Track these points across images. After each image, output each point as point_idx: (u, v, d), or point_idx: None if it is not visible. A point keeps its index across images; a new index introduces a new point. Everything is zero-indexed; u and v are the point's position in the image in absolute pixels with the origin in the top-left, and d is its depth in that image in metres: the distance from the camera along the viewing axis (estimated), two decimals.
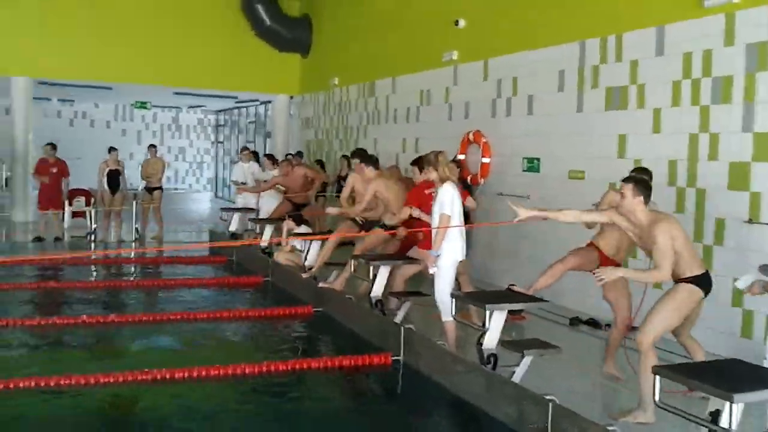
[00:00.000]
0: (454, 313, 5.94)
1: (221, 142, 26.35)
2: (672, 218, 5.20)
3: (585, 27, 8.68)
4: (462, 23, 10.99)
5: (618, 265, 6.04)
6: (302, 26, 17.19)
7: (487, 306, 5.27)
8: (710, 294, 6.75)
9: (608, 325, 7.81)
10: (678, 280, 5.13)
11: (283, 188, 11.91)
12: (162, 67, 16.49)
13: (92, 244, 13.26)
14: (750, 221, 6.66)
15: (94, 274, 10.87)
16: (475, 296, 5.89)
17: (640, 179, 5.30)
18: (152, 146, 14.77)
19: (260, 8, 16.50)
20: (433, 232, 6.51)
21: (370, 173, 8.14)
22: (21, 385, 5.43)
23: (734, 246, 6.84)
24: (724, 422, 3.40)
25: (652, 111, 7.74)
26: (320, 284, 8.42)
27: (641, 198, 5.11)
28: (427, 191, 7.16)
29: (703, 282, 5.10)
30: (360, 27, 14.81)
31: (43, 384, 5.49)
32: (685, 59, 7.33)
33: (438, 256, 6.31)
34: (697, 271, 5.08)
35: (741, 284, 4.11)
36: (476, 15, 10.82)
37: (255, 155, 14.56)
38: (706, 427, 3.47)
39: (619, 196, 5.40)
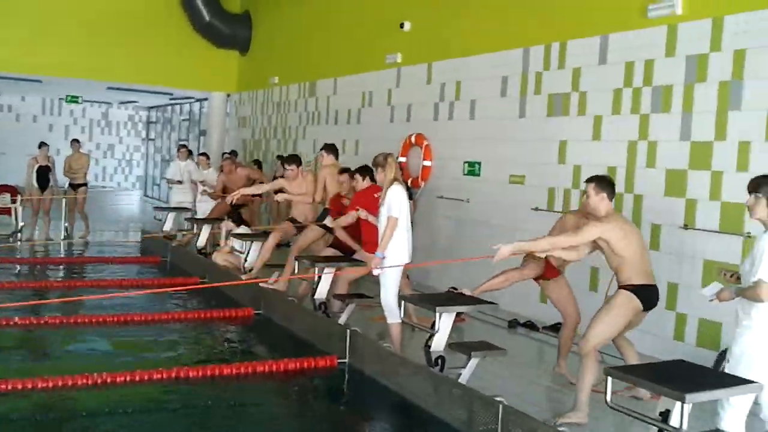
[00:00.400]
0: (402, 315, 5.91)
1: (152, 140, 25.78)
2: (621, 223, 5.25)
3: (529, 34, 8.80)
4: (407, 26, 11.01)
5: (559, 273, 6.14)
6: (242, 23, 16.96)
7: (437, 308, 5.27)
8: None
9: (545, 327, 7.98)
10: (620, 285, 5.24)
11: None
12: (96, 62, 16.00)
13: (18, 243, 12.77)
14: (685, 227, 6.85)
15: (22, 273, 10.44)
16: (424, 299, 5.89)
17: (602, 177, 5.46)
18: (75, 141, 14.28)
19: (200, 3, 16.20)
20: (380, 234, 6.49)
21: (329, 161, 8.23)
22: None
23: (670, 251, 7.03)
24: (674, 422, 3.47)
25: (593, 118, 7.90)
26: (266, 284, 8.29)
27: (604, 194, 5.26)
28: (375, 195, 7.12)
29: (642, 293, 5.19)
30: (302, 26, 14.69)
31: None
32: (627, 68, 7.50)
33: (383, 258, 6.28)
34: (639, 281, 5.18)
35: (707, 292, 4.19)
36: (421, 18, 10.86)
37: (189, 153, 14.29)
38: (658, 427, 3.53)
39: (575, 218, 5.55)
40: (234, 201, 8.72)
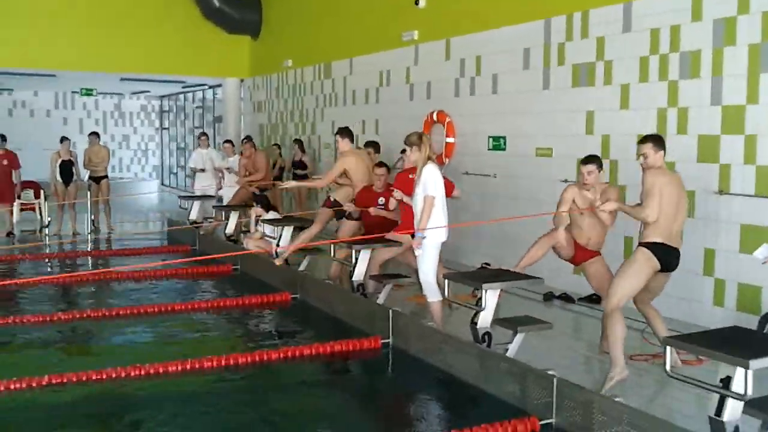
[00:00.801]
0: (447, 294, 5.95)
1: (166, 128, 25.84)
2: (666, 176, 5.37)
3: (550, 4, 8.75)
4: (422, 3, 10.95)
5: (590, 252, 6.14)
6: (252, 7, 16.91)
7: (483, 285, 5.31)
8: (684, 263, 7.03)
9: (581, 299, 8.02)
10: (640, 242, 5.35)
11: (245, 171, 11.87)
12: (109, 54, 16.01)
13: (47, 238, 12.90)
14: (720, 192, 6.85)
15: (56, 268, 10.55)
16: (470, 276, 5.93)
17: (656, 136, 5.59)
18: (95, 134, 14.29)
19: None
20: (416, 213, 6.52)
21: (344, 146, 8.17)
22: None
23: (704, 216, 7.03)
24: (737, 388, 3.51)
25: (620, 87, 7.87)
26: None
27: (662, 152, 5.43)
28: (411, 176, 7.13)
29: (659, 252, 5.28)
30: (313, 7, 14.64)
31: (25, 385, 5.31)
32: (653, 35, 7.46)
33: (423, 237, 6.32)
34: (657, 239, 5.28)
35: (760, 254, 4.24)
36: None
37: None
38: (721, 394, 3.57)
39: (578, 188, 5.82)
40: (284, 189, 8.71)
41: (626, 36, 7.77)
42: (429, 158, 6.46)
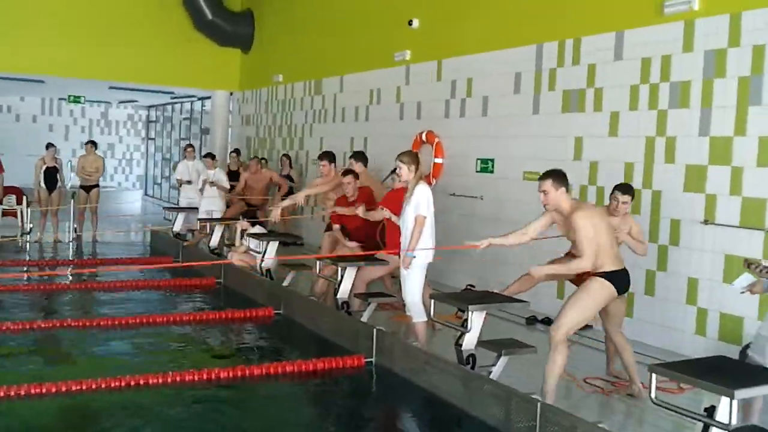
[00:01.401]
0: (432, 314, 5.94)
1: (152, 139, 25.74)
2: (592, 207, 5.44)
3: (542, 30, 8.83)
4: (416, 23, 11.02)
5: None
6: (244, 21, 16.97)
7: (469, 307, 5.30)
8: (668, 292, 7.07)
9: None
10: (593, 273, 5.32)
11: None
12: (98, 61, 15.97)
13: (28, 245, 12.76)
14: (706, 222, 6.90)
15: (33, 275, 10.42)
16: (456, 297, 5.92)
17: (555, 171, 5.42)
18: (91, 142, 14.26)
19: (202, 1, 16.19)
20: (404, 232, 6.52)
21: (359, 169, 8.22)
22: None
23: (690, 246, 7.07)
24: (721, 417, 3.51)
25: (610, 114, 7.94)
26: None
27: (563, 188, 5.31)
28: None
29: (616, 279, 5.28)
30: (306, 24, 14.69)
31: (2, 394, 5.22)
32: (644, 64, 7.54)
33: (413, 257, 6.31)
34: (612, 267, 5.27)
35: (738, 284, 4.25)
36: (430, 15, 10.88)
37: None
38: (705, 423, 3.57)
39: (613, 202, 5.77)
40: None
41: (617, 64, 7.85)
42: (421, 178, 6.48)
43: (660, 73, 7.38)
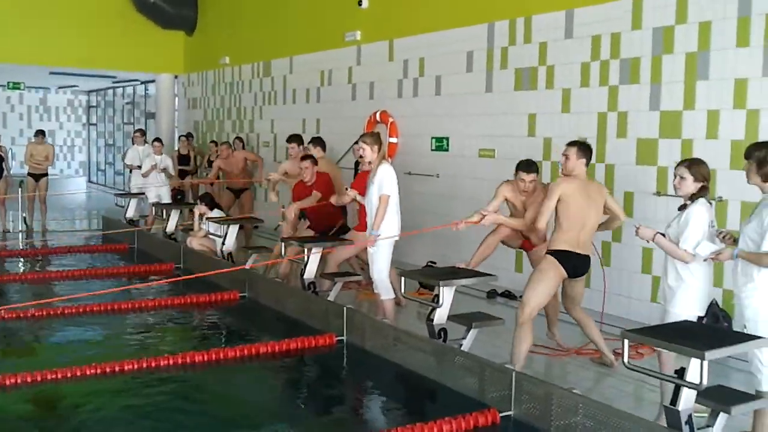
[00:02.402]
0: (403, 291, 6.08)
1: (93, 124, 25.20)
2: (579, 187, 5.53)
3: (493, 9, 8.98)
4: (365, 4, 11.06)
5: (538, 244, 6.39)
6: (188, 3, 16.73)
7: (440, 282, 5.45)
8: (623, 262, 7.33)
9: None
10: (548, 249, 5.63)
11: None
12: (38, 46, 15.56)
13: None
14: (658, 193, 7.18)
15: None
16: (426, 274, 6.06)
17: (583, 143, 5.77)
18: (40, 132, 13.91)
19: None
20: (369, 211, 6.64)
21: (318, 153, 8.32)
22: None
23: (642, 218, 7.33)
24: (691, 378, 3.73)
25: (562, 91, 8.15)
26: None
27: (584, 160, 5.60)
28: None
29: (565, 259, 5.51)
30: (253, 5, 14.55)
31: None
32: (594, 42, 7.75)
33: (378, 235, 6.43)
34: (563, 247, 5.51)
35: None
36: None
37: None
38: (678, 384, 3.78)
39: (520, 182, 6.07)
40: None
41: (568, 42, 8.05)
42: (384, 157, 6.59)
43: (610, 50, 7.61)
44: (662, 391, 4.53)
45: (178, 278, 8.51)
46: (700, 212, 4.61)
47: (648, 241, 4.87)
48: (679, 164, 4.81)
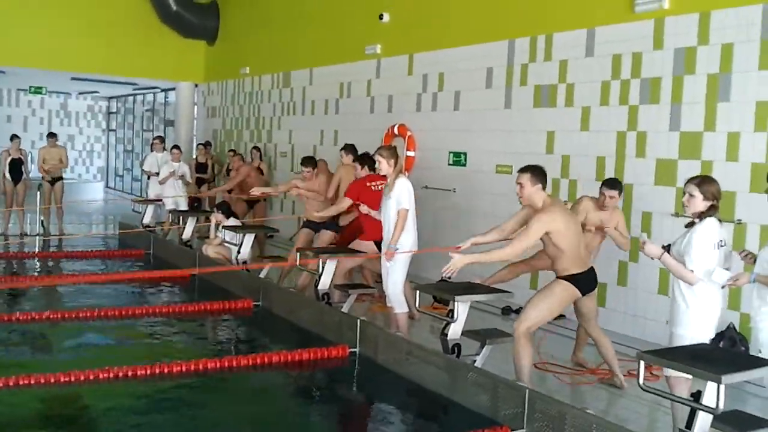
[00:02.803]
0: (418, 305, 6.06)
1: (113, 130, 25.40)
2: (561, 210, 5.37)
3: (514, 26, 8.99)
4: (386, 17, 11.11)
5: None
6: (210, 13, 16.88)
7: (455, 297, 5.43)
8: (639, 282, 7.29)
9: None
10: (558, 275, 5.44)
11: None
12: (61, 52, 15.75)
13: None
14: (676, 215, 7.13)
15: (6, 269, 10.28)
16: (441, 288, 6.05)
17: (535, 167, 5.49)
18: (52, 134, 13.99)
19: None
20: (386, 224, 6.65)
21: (347, 160, 8.52)
22: None
23: (659, 238, 7.28)
24: (708, 401, 3.69)
25: (581, 109, 8.14)
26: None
27: (539, 185, 5.38)
28: (368, 184, 7.33)
29: (579, 282, 5.39)
30: (274, 16, 14.66)
31: None
32: (615, 61, 7.74)
33: (396, 249, 6.44)
34: (576, 270, 5.37)
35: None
36: (401, 10, 10.97)
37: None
38: (693, 407, 3.75)
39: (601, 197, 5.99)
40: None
41: (589, 60, 8.04)
42: (400, 171, 6.60)
43: (631, 69, 7.59)
44: (674, 414, 4.47)
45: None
46: (707, 231, 4.45)
47: (652, 259, 4.70)
48: (688, 181, 4.65)
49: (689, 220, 4.66)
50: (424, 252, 7.80)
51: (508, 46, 9.07)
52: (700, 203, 4.51)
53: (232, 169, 13.94)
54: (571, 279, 5.38)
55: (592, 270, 5.54)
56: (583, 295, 5.52)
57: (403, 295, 6.62)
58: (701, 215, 4.52)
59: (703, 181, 4.58)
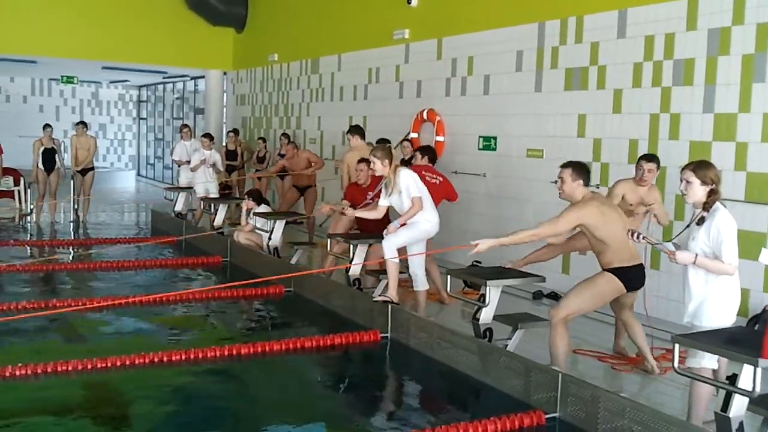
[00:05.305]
0: (450, 290, 6.06)
1: (144, 119, 25.64)
2: (598, 206, 5.23)
3: (544, 8, 8.89)
4: (414, 2, 11.05)
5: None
6: (238, 0, 16.90)
7: (487, 282, 5.43)
8: (672, 266, 7.19)
9: None
10: (604, 268, 5.33)
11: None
12: (91, 41, 15.90)
13: (29, 225, 12.78)
14: None
15: (37, 256, 10.45)
16: (473, 273, 6.05)
17: (578, 163, 5.44)
18: (82, 123, 14.07)
19: None
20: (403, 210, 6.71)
21: (355, 142, 8.57)
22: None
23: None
24: (744, 384, 3.66)
25: (613, 92, 8.04)
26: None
27: (581, 181, 5.30)
28: (424, 173, 7.44)
29: (625, 275, 5.25)
30: (302, 2, 14.65)
31: (18, 373, 5.33)
32: (647, 42, 7.64)
33: (398, 226, 6.60)
34: (621, 264, 5.24)
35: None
36: None
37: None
38: (729, 390, 3.72)
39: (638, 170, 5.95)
40: None
41: (620, 42, 7.94)
42: (396, 168, 6.62)
43: (663, 50, 7.49)
44: (691, 398, 4.38)
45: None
46: (728, 219, 4.37)
47: (685, 266, 4.57)
48: (684, 168, 4.51)
49: (700, 215, 4.49)
50: (441, 251, 7.85)
51: (538, 29, 8.98)
52: (698, 189, 4.41)
53: (261, 156, 14.05)
54: (616, 272, 5.25)
55: (640, 265, 5.37)
56: (629, 291, 5.38)
57: (423, 273, 6.77)
58: (705, 205, 4.43)
59: (699, 166, 4.47)
